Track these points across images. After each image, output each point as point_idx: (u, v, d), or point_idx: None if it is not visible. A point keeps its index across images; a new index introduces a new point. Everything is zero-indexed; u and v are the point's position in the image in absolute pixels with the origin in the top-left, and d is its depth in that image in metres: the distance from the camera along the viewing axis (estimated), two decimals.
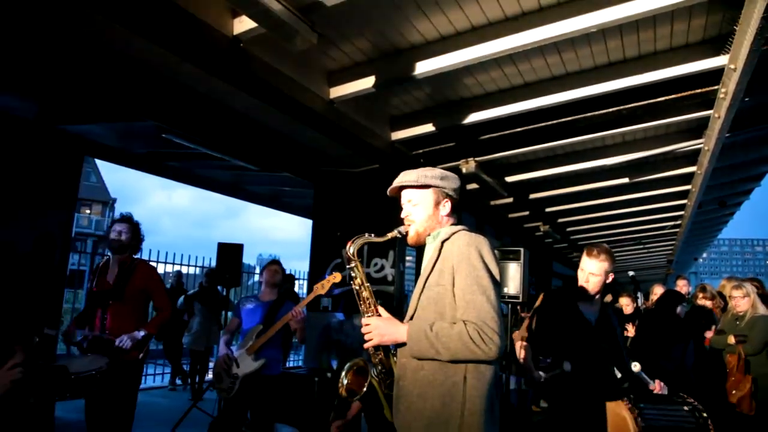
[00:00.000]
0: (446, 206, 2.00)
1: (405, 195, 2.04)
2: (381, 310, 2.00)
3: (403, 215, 2.04)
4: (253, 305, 4.21)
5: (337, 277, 3.92)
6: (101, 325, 3.50)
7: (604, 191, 7.89)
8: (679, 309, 5.46)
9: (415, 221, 2.00)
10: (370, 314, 1.98)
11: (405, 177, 2.03)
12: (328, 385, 5.24)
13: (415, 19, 3.75)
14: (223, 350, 4.05)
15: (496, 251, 1.93)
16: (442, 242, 1.90)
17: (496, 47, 3.75)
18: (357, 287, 2.02)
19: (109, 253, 3.77)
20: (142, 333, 3.50)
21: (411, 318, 1.90)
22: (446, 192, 1.99)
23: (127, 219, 3.73)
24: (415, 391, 1.80)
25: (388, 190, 2.09)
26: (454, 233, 1.91)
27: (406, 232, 2.02)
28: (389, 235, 2.06)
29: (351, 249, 2.03)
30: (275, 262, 4.38)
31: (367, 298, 2.01)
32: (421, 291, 1.89)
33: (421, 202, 2.00)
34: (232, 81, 3.88)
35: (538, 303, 3.21)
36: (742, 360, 4.35)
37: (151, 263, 4.26)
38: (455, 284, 1.80)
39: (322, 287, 3.92)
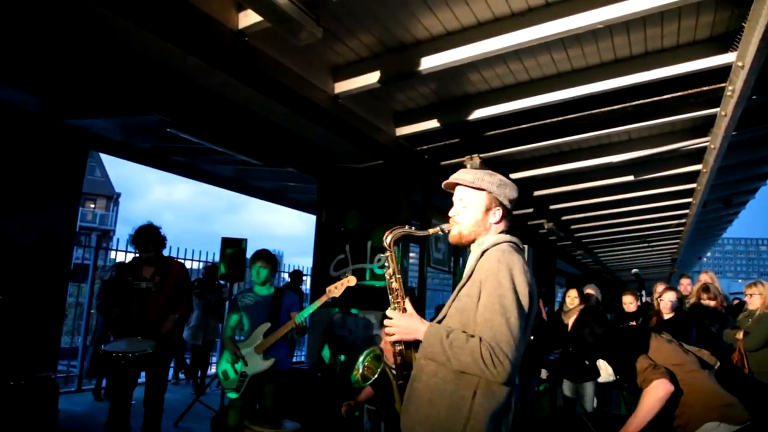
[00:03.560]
0: (496, 214, 1.94)
1: (458, 193, 2.00)
2: (407, 304, 1.97)
3: (451, 213, 2.00)
4: (252, 300, 4.14)
5: (351, 280, 3.84)
6: (140, 313, 4.12)
7: (609, 189, 7.86)
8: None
9: (461, 223, 1.95)
10: (395, 307, 1.97)
11: (462, 175, 1.98)
12: (332, 380, 5.26)
13: (421, 14, 3.73)
14: (230, 348, 4.03)
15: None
16: (483, 252, 1.85)
17: (502, 43, 3.72)
18: (388, 277, 2.00)
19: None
20: (176, 316, 4.25)
21: (440, 322, 1.87)
22: (500, 200, 1.94)
23: (141, 230, 4.28)
24: (426, 396, 1.78)
25: (443, 183, 2.04)
26: (495, 245, 1.86)
27: (449, 230, 1.98)
28: (430, 231, 2.06)
29: (389, 238, 2.00)
30: (264, 258, 4.21)
31: (396, 289, 1.99)
32: (453, 300, 1.86)
33: (472, 205, 1.94)
34: (236, 75, 3.87)
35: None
36: (744, 357, 4.35)
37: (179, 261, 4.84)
38: (480, 299, 1.76)
39: (336, 289, 3.86)
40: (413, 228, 2.06)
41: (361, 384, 1.98)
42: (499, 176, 1.98)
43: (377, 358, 2.01)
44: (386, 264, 2.01)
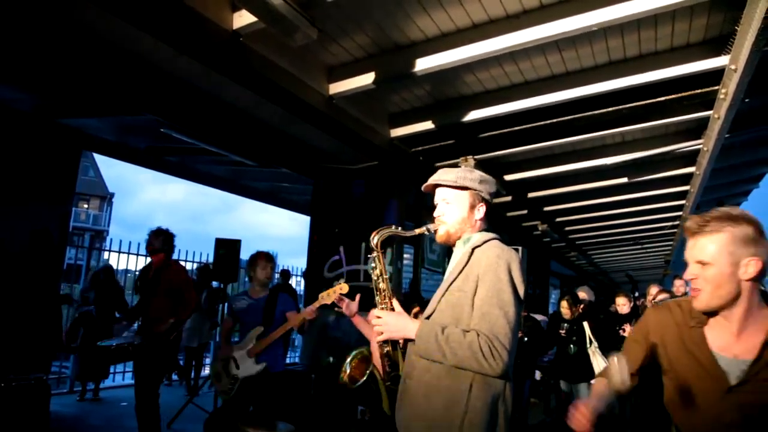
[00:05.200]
0: (480, 210, 1.96)
1: (440, 193, 2.01)
2: (395, 303, 1.99)
3: (436, 214, 2.00)
4: (245, 304, 4.11)
5: (344, 287, 3.82)
6: (144, 311, 4.42)
7: (603, 191, 7.88)
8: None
9: (448, 222, 1.96)
10: (383, 306, 1.98)
11: (444, 176, 1.99)
12: (325, 381, 5.24)
13: (416, 15, 3.73)
14: (224, 349, 4.01)
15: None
16: (473, 248, 1.87)
17: (497, 45, 3.73)
18: (375, 278, 2.03)
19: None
20: (171, 319, 4.28)
21: (428, 318, 1.87)
22: (482, 196, 1.97)
23: (158, 230, 4.52)
24: (421, 392, 1.78)
25: (424, 186, 2.05)
26: (486, 241, 1.89)
27: (436, 231, 1.99)
28: (417, 231, 2.06)
29: (375, 239, 2.03)
30: (266, 257, 4.19)
31: (384, 290, 2.01)
32: (443, 294, 1.86)
33: (457, 203, 1.96)
34: (231, 76, 3.86)
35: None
36: None
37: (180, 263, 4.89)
38: (477, 294, 1.77)
39: (328, 296, 3.84)
40: (399, 228, 2.07)
41: (349, 386, 1.97)
42: (478, 172, 2.01)
43: (365, 359, 2.00)
44: (373, 264, 2.03)
